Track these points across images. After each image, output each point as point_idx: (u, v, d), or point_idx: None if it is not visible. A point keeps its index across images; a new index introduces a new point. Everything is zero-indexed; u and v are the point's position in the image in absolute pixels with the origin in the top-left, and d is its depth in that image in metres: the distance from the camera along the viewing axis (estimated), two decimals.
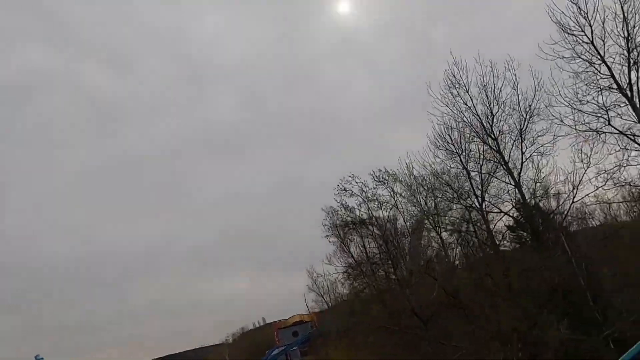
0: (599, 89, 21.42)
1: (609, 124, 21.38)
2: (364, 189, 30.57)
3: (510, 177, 26.23)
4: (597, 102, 21.42)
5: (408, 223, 31.28)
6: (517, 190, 25.99)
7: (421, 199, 30.40)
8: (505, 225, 30.37)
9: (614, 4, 20.79)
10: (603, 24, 21.27)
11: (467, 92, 26.85)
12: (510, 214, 26.85)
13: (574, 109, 21.76)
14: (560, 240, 26.37)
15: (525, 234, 31.21)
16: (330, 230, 32.53)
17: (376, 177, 30.86)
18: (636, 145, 21.17)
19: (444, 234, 29.94)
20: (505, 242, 29.87)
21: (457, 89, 26.95)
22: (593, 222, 29.48)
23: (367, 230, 30.92)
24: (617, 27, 21.09)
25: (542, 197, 26.13)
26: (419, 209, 30.57)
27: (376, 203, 30.62)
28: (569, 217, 25.49)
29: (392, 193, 30.80)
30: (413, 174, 30.16)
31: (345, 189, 30.98)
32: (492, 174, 26.89)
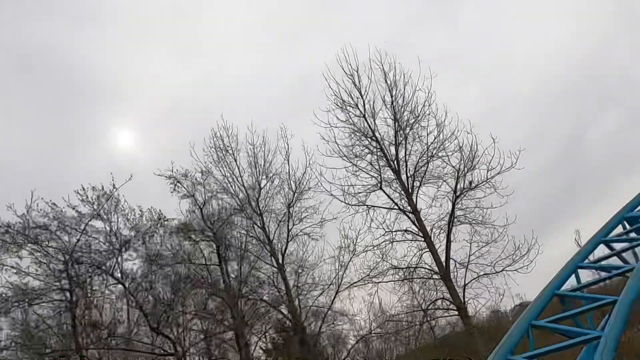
0: (373, 154, 20.99)
1: (381, 188, 20.53)
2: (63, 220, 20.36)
3: (273, 259, 22.43)
4: (371, 163, 20.74)
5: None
6: (280, 274, 22.09)
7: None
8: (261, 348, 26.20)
9: (384, 84, 21.91)
10: (373, 104, 21.93)
11: (235, 160, 23.82)
12: (270, 303, 22.26)
13: (350, 163, 20.51)
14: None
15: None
16: None
17: (84, 197, 21.16)
18: (404, 217, 20.48)
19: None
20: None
21: (225, 154, 23.70)
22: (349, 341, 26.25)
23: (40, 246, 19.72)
24: (385, 109, 21.99)
25: (308, 288, 22.67)
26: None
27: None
28: (332, 311, 22.26)
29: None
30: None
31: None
32: (257, 255, 22.71)
